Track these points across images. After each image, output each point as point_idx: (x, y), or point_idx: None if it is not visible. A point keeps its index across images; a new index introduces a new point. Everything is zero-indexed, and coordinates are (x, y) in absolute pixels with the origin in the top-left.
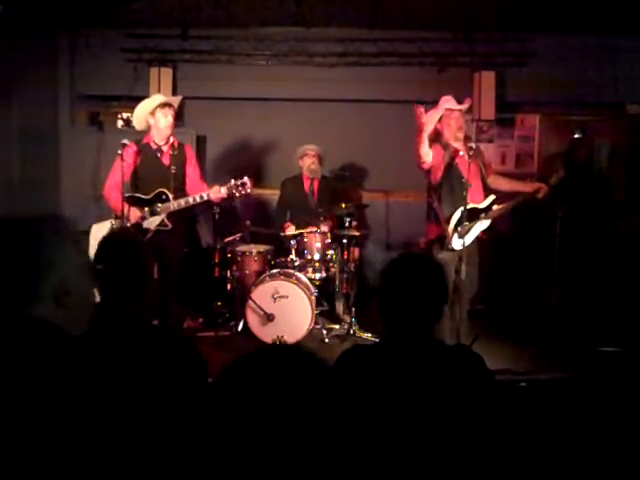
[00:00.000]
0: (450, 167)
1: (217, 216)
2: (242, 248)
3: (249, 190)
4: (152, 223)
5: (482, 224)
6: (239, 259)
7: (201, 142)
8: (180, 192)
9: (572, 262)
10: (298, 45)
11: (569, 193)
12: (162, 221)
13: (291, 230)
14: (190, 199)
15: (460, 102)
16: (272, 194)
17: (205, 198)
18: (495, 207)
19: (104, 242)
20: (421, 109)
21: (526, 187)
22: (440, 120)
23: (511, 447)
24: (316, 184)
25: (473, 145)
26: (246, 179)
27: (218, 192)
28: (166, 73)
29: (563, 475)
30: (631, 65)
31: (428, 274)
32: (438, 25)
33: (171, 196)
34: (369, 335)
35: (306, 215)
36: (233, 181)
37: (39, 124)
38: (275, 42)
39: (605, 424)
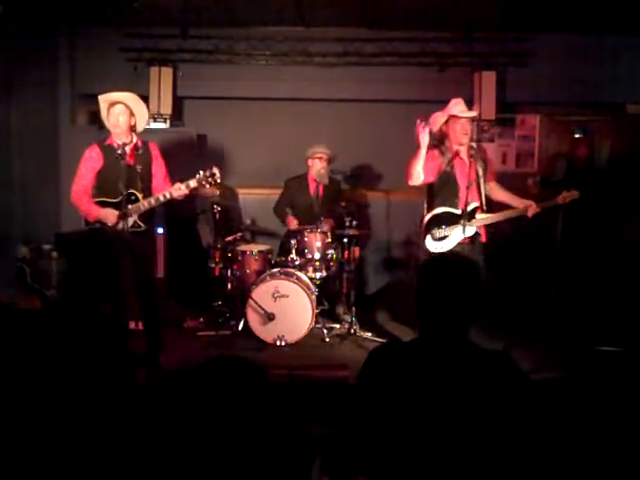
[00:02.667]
0: (445, 172)
1: (217, 215)
2: (243, 247)
3: (218, 180)
4: (125, 225)
5: (466, 230)
6: (240, 258)
7: (201, 141)
8: (147, 192)
9: (572, 262)
10: (298, 45)
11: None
12: (135, 222)
13: (294, 225)
14: (160, 197)
15: (469, 105)
16: (271, 193)
17: (168, 197)
18: (481, 216)
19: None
20: (420, 126)
21: (518, 203)
22: (446, 122)
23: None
24: (321, 186)
25: (474, 144)
26: (215, 169)
27: (179, 189)
28: (166, 72)
29: (563, 474)
30: (631, 65)
31: (464, 274)
32: (438, 25)
33: (140, 196)
34: (369, 334)
35: (309, 217)
36: (202, 172)
37: (39, 123)
38: (275, 42)
39: (604, 423)
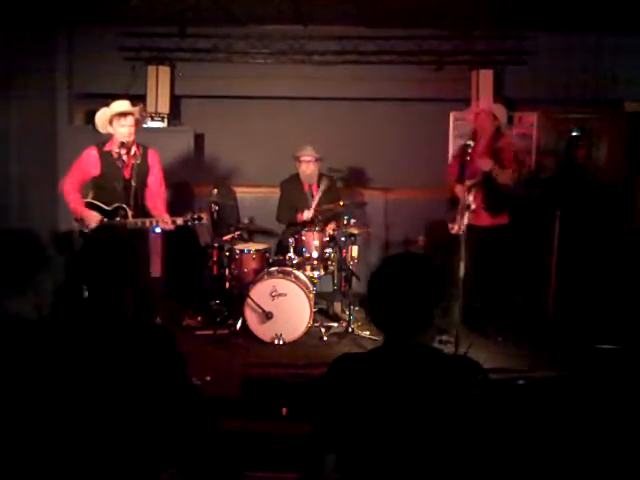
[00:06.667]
0: (464, 160)
1: (215, 214)
2: (240, 246)
3: (204, 223)
4: None
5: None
6: (237, 257)
7: (199, 140)
8: (139, 206)
9: (571, 260)
10: (296, 43)
11: (568, 190)
12: None
13: (308, 214)
14: (147, 222)
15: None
16: (269, 192)
17: (154, 224)
18: None
19: (94, 239)
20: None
21: None
22: (476, 117)
23: (508, 450)
24: (315, 183)
25: (470, 142)
26: (203, 215)
27: (166, 224)
28: (164, 71)
29: (561, 471)
30: (629, 63)
31: (416, 275)
32: (437, 23)
33: (130, 213)
34: (367, 333)
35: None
36: (190, 214)
37: (37, 123)
38: (273, 40)
39: (602, 421)
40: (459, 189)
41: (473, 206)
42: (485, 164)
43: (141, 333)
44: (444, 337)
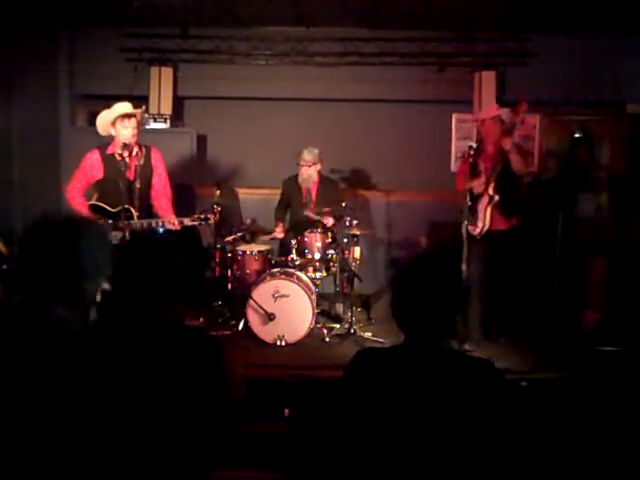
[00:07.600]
0: (474, 165)
1: (218, 215)
2: (243, 247)
3: (211, 224)
4: (114, 238)
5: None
6: (240, 258)
7: (201, 142)
8: (144, 207)
9: (573, 261)
10: (298, 45)
11: (570, 191)
12: (123, 238)
13: (277, 234)
14: (153, 223)
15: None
16: (271, 193)
17: (160, 225)
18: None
19: (136, 240)
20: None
21: None
22: (482, 123)
23: (516, 454)
24: (314, 186)
25: (473, 144)
26: (210, 216)
27: (172, 225)
28: (166, 73)
29: (563, 472)
30: (631, 64)
31: (445, 277)
32: (439, 25)
33: (135, 214)
34: (369, 334)
35: (303, 215)
36: (197, 215)
37: (39, 124)
38: (275, 42)
39: (605, 422)
40: (476, 183)
41: (497, 197)
42: (506, 143)
43: (192, 341)
44: (465, 346)
